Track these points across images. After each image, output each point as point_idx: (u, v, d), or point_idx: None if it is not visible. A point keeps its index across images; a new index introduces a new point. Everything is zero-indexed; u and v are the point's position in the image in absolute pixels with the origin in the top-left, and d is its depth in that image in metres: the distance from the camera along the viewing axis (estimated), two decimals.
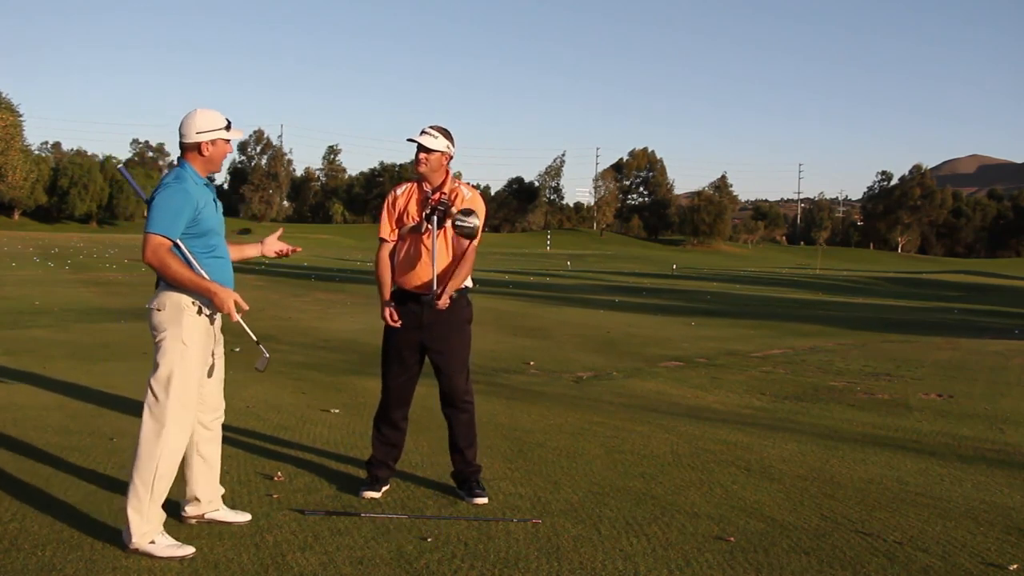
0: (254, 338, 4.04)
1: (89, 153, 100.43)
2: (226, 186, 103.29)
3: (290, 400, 7.10)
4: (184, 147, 3.80)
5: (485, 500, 4.43)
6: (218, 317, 3.87)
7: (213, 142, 3.80)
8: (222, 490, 4.10)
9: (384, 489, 4.56)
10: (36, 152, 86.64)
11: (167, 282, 3.67)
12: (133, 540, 3.58)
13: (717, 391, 8.49)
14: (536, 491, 4.67)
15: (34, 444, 5.31)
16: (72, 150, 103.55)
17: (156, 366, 3.69)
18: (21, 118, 70.59)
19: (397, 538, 3.86)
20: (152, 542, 3.58)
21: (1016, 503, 4.77)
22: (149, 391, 3.68)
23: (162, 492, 3.65)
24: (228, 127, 3.84)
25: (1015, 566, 3.77)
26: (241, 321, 3.83)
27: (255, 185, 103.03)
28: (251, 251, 4.26)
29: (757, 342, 12.96)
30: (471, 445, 4.61)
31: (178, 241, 3.68)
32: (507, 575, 3.51)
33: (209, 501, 4.01)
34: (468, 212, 4.36)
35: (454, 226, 4.38)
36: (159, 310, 3.71)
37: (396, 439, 4.64)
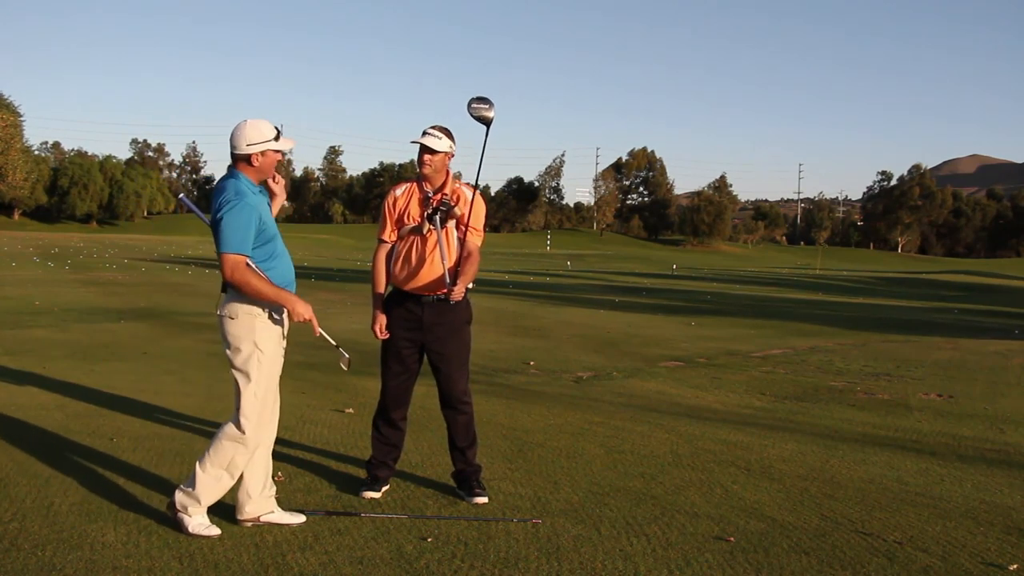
0: (333, 343, 4.24)
1: (89, 153, 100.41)
2: None
3: (290, 400, 7.08)
4: (236, 158, 3.88)
5: (485, 500, 4.43)
6: (287, 323, 4.00)
7: (263, 153, 3.87)
8: (275, 489, 4.15)
9: (384, 489, 4.55)
10: (36, 152, 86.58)
11: (247, 295, 3.77)
12: (181, 514, 3.87)
13: (717, 391, 8.49)
14: (536, 491, 4.67)
15: (34, 444, 5.31)
16: (72, 150, 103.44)
17: (240, 375, 3.88)
18: (21, 118, 70.59)
19: (397, 538, 3.87)
20: (191, 516, 3.86)
21: (1016, 503, 4.77)
22: (237, 399, 3.90)
23: (222, 488, 3.91)
24: (278, 136, 3.92)
25: (1015, 566, 3.77)
26: (323, 332, 4.09)
27: None
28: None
29: (757, 342, 12.96)
30: (471, 445, 4.61)
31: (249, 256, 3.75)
32: (507, 575, 3.51)
33: (266, 499, 4.05)
34: (482, 99, 4.42)
35: (470, 111, 4.41)
36: (232, 318, 3.84)
37: (396, 439, 4.64)
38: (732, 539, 4.00)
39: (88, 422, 5.97)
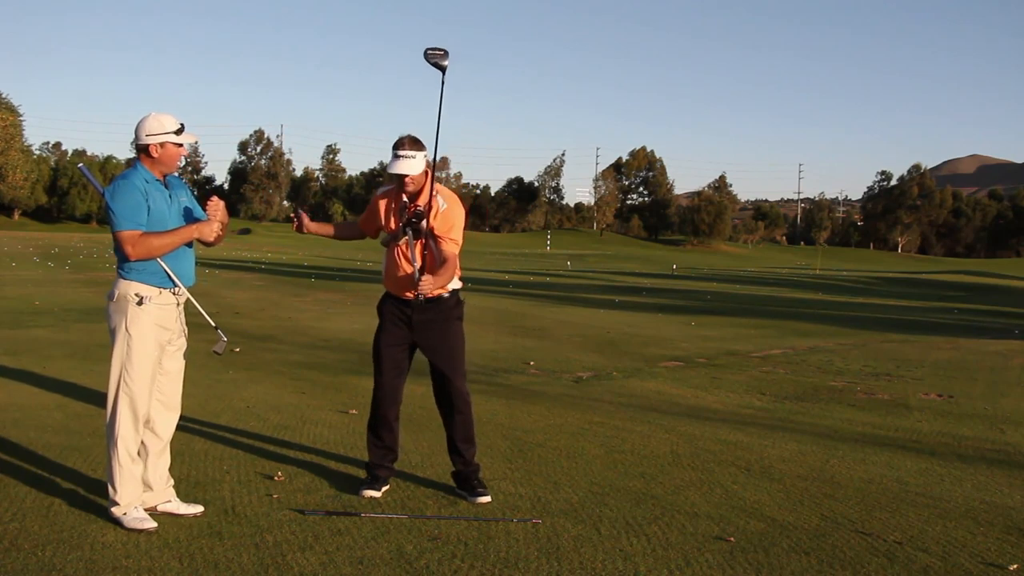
0: (212, 323, 4.22)
1: (89, 153, 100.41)
2: (226, 186, 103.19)
3: (290, 400, 7.10)
4: (137, 148, 4.00)
5: (487, 499, 4.43)
6: (180, 310, 4.04)
7: (162, 145, 3.97)
8: (172, 481, 4.18)
9: (384, 489, 4.56)
10: (36, 152, 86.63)
11: (131, 265, 3.88)
12: (110, 511, 3.94)
13: (717, 391, 8.49)
14: (536, 491, 4.67)
15: (34, 444, 5.31)
16: (74, 151, 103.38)
17: (110, 357, 3.94)
18: (21, 118, 70.67)
19: (397, 538, 3.87)
20: (124, 514, 3.89)
21: (1016, 503, 4.77)
22: (108, 381, 3.93)
23: (125, 476, 3.89)
24: (179, 131, 3.99)
25: (1015, 566, 3.77)
26: (197, 304, 4.08)
27: (255, 185, 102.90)
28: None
29: (757, 342, 12.95)
30: (470, 445, 4.61)
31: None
32: (507, 575, 3.51)
33: (160, 491, 4.09)
34: (437, 50, 4.54)
35: (426, 57, 4.56)
36: (111, 300, 3.96)
37: (390, 440, 4.64)
38: (732, 539, 4.00)
39: (88, 422, 5.97)
